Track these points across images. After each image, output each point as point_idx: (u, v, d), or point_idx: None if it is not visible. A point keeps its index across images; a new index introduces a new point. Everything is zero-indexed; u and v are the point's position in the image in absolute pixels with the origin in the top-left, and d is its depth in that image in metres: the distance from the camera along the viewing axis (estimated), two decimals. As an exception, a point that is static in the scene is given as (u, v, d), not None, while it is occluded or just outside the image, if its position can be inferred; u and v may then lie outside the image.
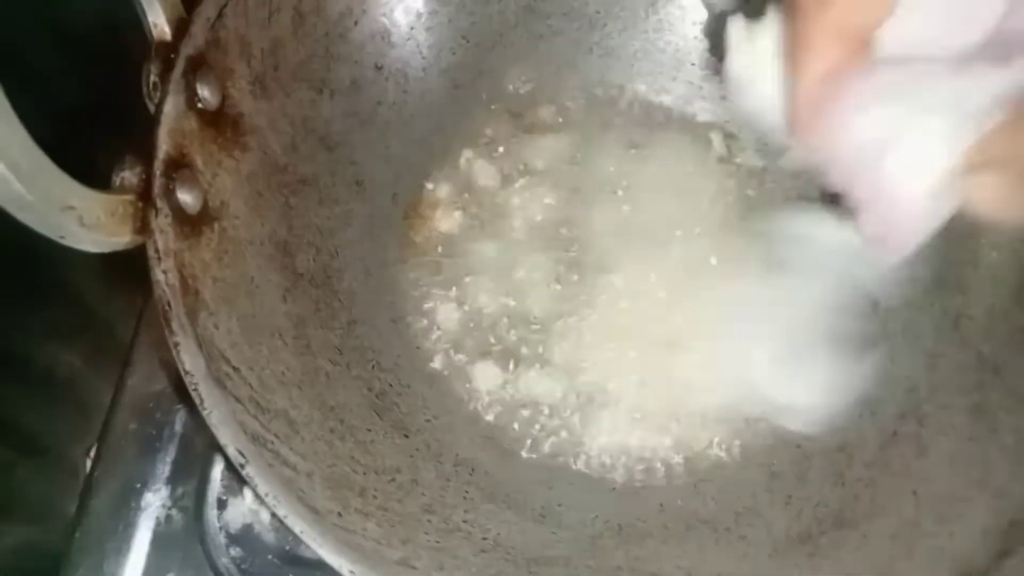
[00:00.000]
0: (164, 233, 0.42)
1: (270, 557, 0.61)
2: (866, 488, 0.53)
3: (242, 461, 0.38)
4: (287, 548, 0.61)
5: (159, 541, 0.62)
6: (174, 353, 0.39)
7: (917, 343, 0.58)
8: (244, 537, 0.61)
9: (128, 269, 0.45)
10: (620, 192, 0.66)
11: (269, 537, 0.61)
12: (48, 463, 0.71)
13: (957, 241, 0.58)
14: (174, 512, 0.63)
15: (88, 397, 0.73)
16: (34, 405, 0.70)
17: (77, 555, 0.61)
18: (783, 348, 0.60)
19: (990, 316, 0.54)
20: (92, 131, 0.56)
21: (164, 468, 0.64)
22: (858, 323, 0.62)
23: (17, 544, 0.66)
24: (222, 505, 0.62)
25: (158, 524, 0.62)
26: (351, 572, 0.37)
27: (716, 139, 0.69)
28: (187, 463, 0.64)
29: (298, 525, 0.37)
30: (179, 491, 0.63)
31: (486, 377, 0.60)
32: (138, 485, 0.63)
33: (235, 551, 0.61)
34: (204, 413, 0.38)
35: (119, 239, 0.41)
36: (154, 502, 0.63)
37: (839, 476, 0.54)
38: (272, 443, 0.41)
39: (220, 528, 0.61)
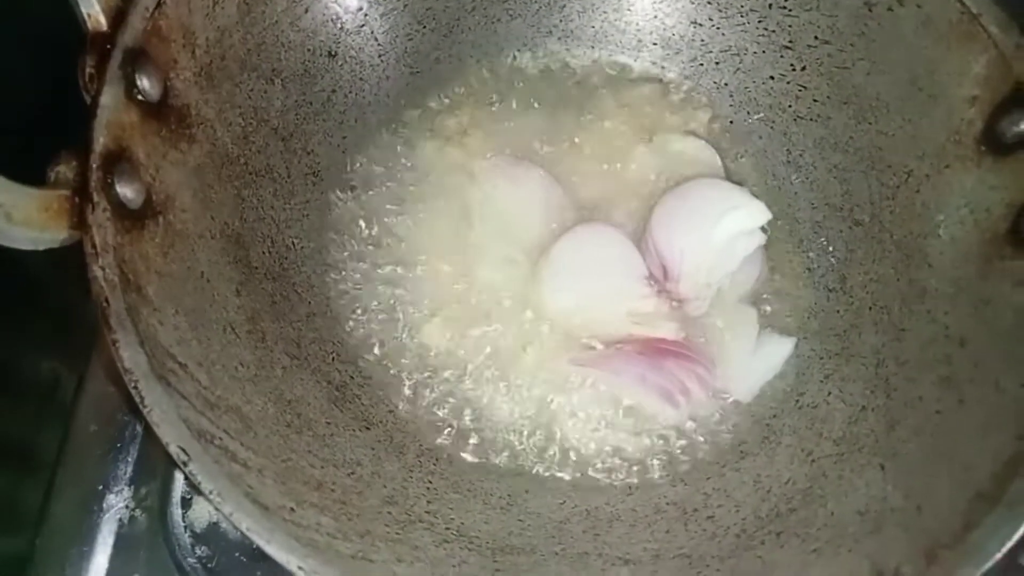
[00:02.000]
0: (102, 228, 0.41)
1: (237, 555, 0.60)
2: (835, 464, 0.52)
3: (184, 459, 0.37)
4: (254, 546, 0.59)
5: (123, 542, 0.61)
6: (113, 351, 0.38)
7: (884, 316, 0.57)
8: (210, 535, 0.60)
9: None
10: (575, 179, 0.65)
11: (236, 534, 0.60)
12: (19, 471, 0.70)
13: (922, 214, 0.57)
14: (137, 512, 0.62)
15: (59, 403, 0.72)
16: (17, 412, 0.68)
17: (40, 560, 0.60)
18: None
19: (956, 288, 0.54)
20: (26, 127, 0.54)
21: (126, 469, 0.63)
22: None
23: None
24: (186, 504, 0.61)
25: (121, 525, 0.61)
26: (299, 568, 0.36)
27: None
28: (150, 463, 0.63)
29: (244, 522, 0.37)
30: (142, 491, 0.62)
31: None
32: (100, 487, 0.62)
33: (201, 550, 0.60)
34: (144, 411, 0.37)
35: (54, 235, 0.40)
36: (117, 503, 0.62)
37: (808, 453, 0.54)
38: (220, 439, 0.40)
39: (185, 527, 0.60)
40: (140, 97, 0.46)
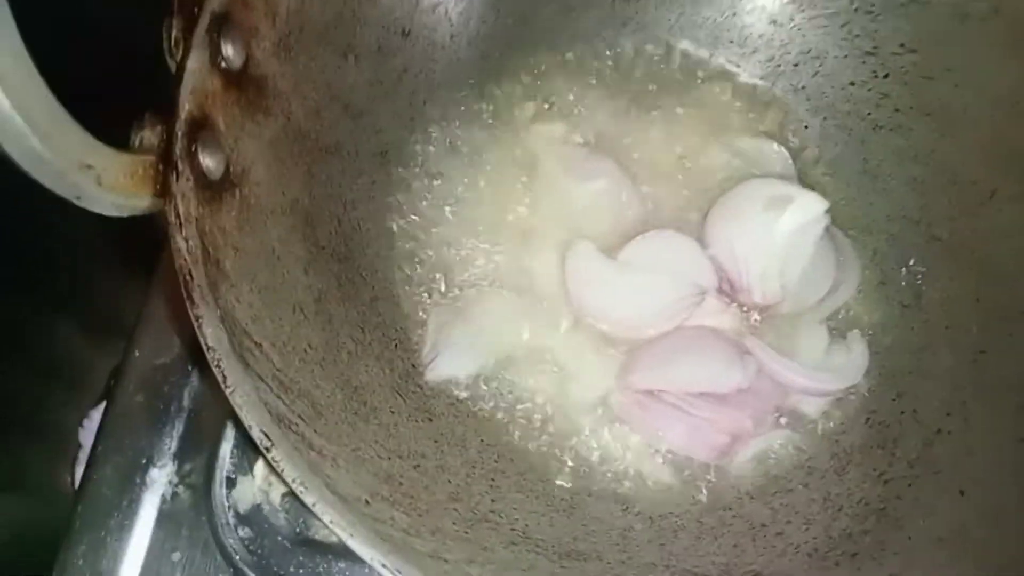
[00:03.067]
0: (186, 197, 0.39)
1: (280, 539, 0.58)
2: (909, 487, 0.51)
3: (268, 444, 0.35)
4: (297, 530, 0.59)
5: (164, 519, 0.59)
6: (196, 327, 0.37)
7: (961, 337, 0.56)
8: (253, 517, 0.59)
9: (135, 242, 0.42)
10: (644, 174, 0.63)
11: (279, 518, 0.59)
12: (44, 436, 0.69)
13: (1006, 233, 0.55)
14: (180, 489, 0.60)
15: (99, 375, 0.71)
16: (43, 385, 0.68)
17: (79, 530, 0.59)
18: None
19: (1041, 312, 0.52)
20: (112, 88, 0.53)
21: (171, 443, 0.61)
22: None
23: (22, 525, 0.63)
24: (231, 484, 0.60)
25: (164, 501, 0.60)
26: (383, 565, 0.34)
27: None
28: (195, 439, 0.61)
29: (328, 514, 0.35)
30: (186, 467, 0.61)
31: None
32: (143, 460, 0.61)
33: (244, 531, 0.58)
34: (227, 392, 0.36)
35: (138, 202, 0.38)
36: (160, 478, 0.60)
37: (880, 474, 0.52)
38: (296, 425, 0.39)
39: (228, 507, 0.59)
40: (224, 65, 0.44)
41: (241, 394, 0.36)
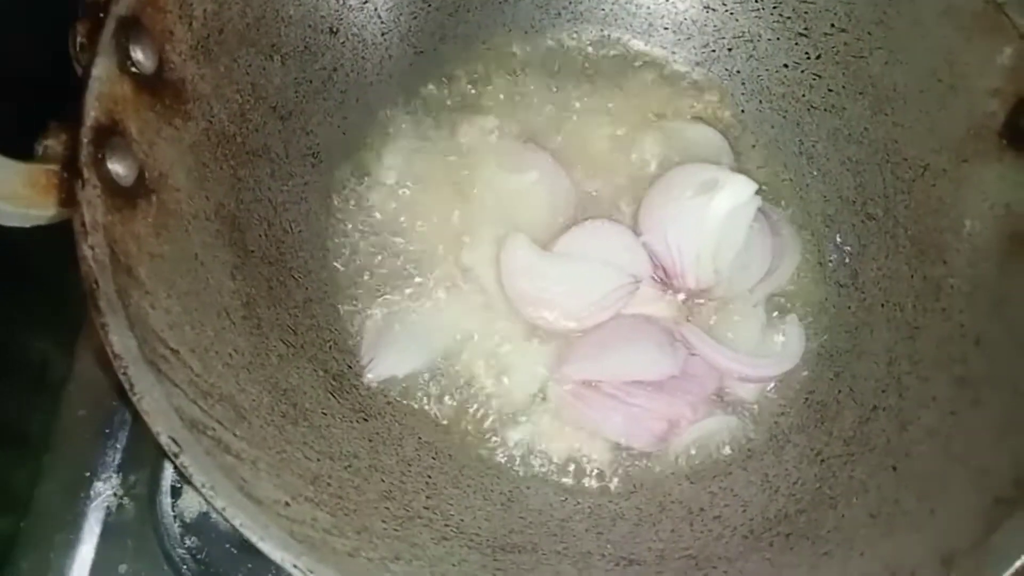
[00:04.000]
0: (92, 205, 0.39)
1: (227, 546, 0.58)
2: (845, 465, 0.51)
3: (176, 449, 0.35)
4: (244, 537, 0.58)
5: (110, 531, 0.59)
6: (102, 335, 0.36)
7: (897, 313, 0.56)
8: (200, 526, 0.58)
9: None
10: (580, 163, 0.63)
11: (226, 526, 0.58)
12: (4, 456, 0.68)
13: (938, 209, 0.56)
14: (126, 501, 0.60)
15: (47, 387, 0.70)
16: (5, 393, 0.66)
17: (24, 546, 0.58)
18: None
19: (973, 286, 0.52)
20: (12, 97, 0.52)
21: (115, 456, 0.61)
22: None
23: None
24: (176, 493, 0.59)
25: (109, 514, 0.59)
26: (294, 567, 0.34)
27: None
28: (139, 450, 0.61)
29: (238, 517, 0.35)
30: (131, 479, 0.60)
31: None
32: (87, 474, 0.60)
33: (191, 540, 0.58)
34: (134, 399, 0.35)
35: (42, 212, 0.38)
36: (104, 491, 0.60)
37: (817, 453, 0.53)
38: (213, 429, 0.39)
39: (175, 517, 0.59)
40: (134, 69, 0.44)
41: (148, 400, 0.36)
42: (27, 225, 0.37)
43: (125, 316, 0.38)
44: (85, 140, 0.40)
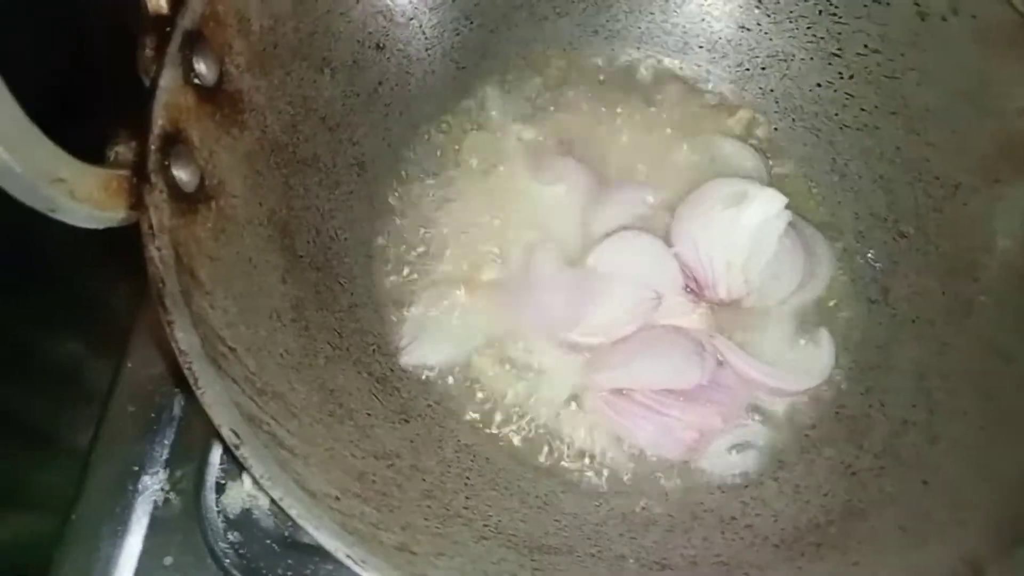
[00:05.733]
0: (159, 209, 0.41)
1: (269, 542, 0.60)
2: (875, 478, 0.52)
3: (237, 442, 0.37)
4: (286, 534, 0.60)
5: (156, 524, 0.61)
6: (168, 332, 0.38)
7: (927, 330, 0.57)
8: (243, 522, 0.60)
9: (129, 253, 0.43)
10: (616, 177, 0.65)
11: (268, 522, 0.60)
12: (52, 452, 0.71)
13: (970, 227, 0.56)
14: (172, 495, 0.62)
15: (91, 384, 0.72)
16: (37, 394, 0.69)
17: (72, 538, 0.60)
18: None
19: (1004, 303, 0.53)
20: (85, 105, 0.55)
21: (162, 451, 0.63)
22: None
23: (17, 532, 0.65)
24: (220, 489, 0.61)
25: (156, 507, 0.61)
26: (347, 556, 0.36)
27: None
28: (186, 446, 0.63)
29: (294, 508, 0.37)
30: (177, 474, 0.62)
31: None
32: (136, 468, 0.62)
33: (233, 535, 0.60)
34: (198, 393, 0.37)
35: (113, 214, 0.40)
36: (152, 485, 0.62)
37: (848, 466, 0.53)
38: (268, 424, 0.40)
39: (218, 512, 0.60)
40: (196, 81, 0.46)
41: (211, 395, 0.38)
42: (99, 227, 0.39)
43: (189, 314, 0.40)
44: (153, 147, 0.42)
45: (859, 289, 0.62)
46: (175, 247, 0.42)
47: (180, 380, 0.40)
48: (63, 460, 0.68)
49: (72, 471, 0.64)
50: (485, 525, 0.48)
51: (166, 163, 0.43)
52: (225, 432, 0.37)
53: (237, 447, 0.37)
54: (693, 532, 0.52)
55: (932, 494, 0.49)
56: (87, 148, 0.40)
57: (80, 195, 0.37)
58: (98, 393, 0.68)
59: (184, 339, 0.38)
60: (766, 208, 0.58)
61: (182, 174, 0.44)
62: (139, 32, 0.46)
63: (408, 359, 0.58)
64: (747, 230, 0.58)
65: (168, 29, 0.46)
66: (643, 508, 0.54)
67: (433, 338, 0.58)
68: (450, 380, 0.58)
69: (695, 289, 0.60)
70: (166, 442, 0.63)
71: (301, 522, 0.36)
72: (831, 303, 0.62)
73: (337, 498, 0.40)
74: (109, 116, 0.44)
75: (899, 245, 0.61)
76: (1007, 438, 0.48)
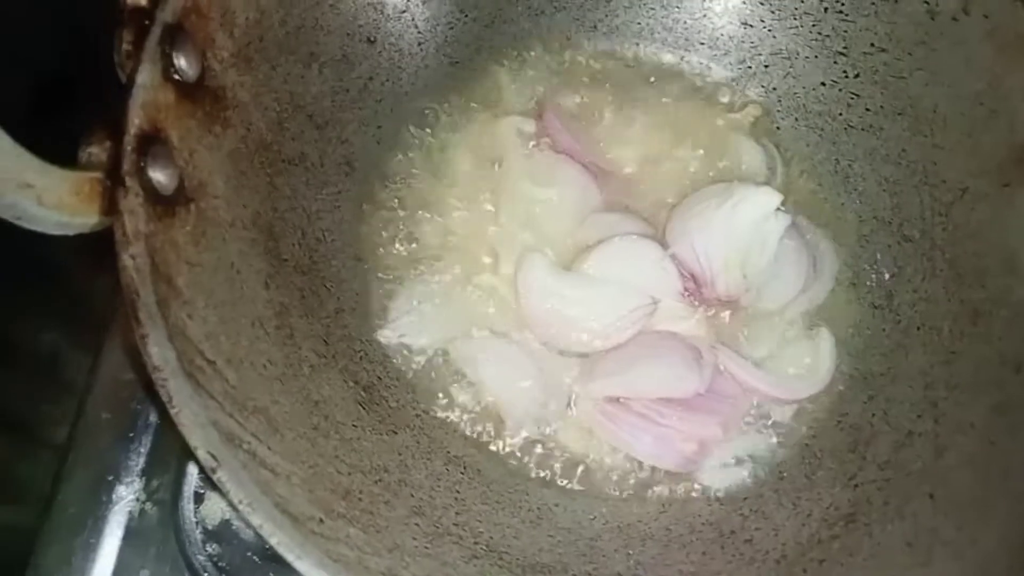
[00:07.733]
0: (134, 214, 0.39)
1: (249, 554, 0.58)
2: (879, 490, 0.50)
3: (214, 464, 0.35)
4: (267, 546, 0.57)
5: (132, 536, 0.59)
6: (141, 347, 0.36)
7: (933, 337, 0.55)
8: (222, 533, 0.58)
9: (109, 246, 0.41)
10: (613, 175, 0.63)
11: (248, 534, 0.58)
12: (31, 443, 0.68)
13: (977, 232, 0.55)
14: (148, 506, 0.60)
15: (69, 377, 0.70)
16: (17, 384, 0.67)
17: (45, 549, 0.58)
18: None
19: (1012, 311, 0.52)
20: (58, 104, 0.52)
21: (138, 460, 0.61)
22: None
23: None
24: (199, 499, 0.59)
25: (131, 518, 0.59)
26: (332, 586, 0.34)
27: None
28: (163, 455, 0.61)
29: (275, 535, 0.35)
30: (154, 484, 0.60)
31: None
32: (110, 477, 0.60)
33: (212, 547, 0.58)
34: (172, 412, 0.35)
35: (84, 220, 0.38)
36: (127, 495, 0.60)
37: (851, 478, 0.52)
38: (249, 443, 0.38)
39: (197, 523, 0.58)
40: (177, 77, 0.44)
41: (187, 414, 0.36)
42: (70, 233, 0.37)
43: (165, 327, 0.38)
44: (128, 148, 0.40)
45: (863, 294, 0.61)
46: (151, 254, 0.39)
47: (154, 396, 0.38)
48: (42, 453, 0.66)
49: (44, 475, 0.62)
50: (476, 543, 0.46)
51: (142, 164, 0.40)
52: (201, 455, 0.35)
53: (214, 471, 0.35)
54: (691, 547, 0.50)
55: (939, 509, 0.47)
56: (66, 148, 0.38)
57: (48, 201, 0.35)
58: (75, 387, 0.66)
59: (158, 354, 0.36)
60: (761, 205, 0.57)
61: (160, 176, 0.41)
62: (116, 26, 0.44)
63: (388, 334, 0.56)
64: (744, 226, 0.57)
65: (147, 23, 0.43)
66: (639, 521, 0.52)
67: (420, 320, 0.57)
68: (439, 388, 0.56)
69: (693, 288, 0.58)
70: (142, 450, 0.61)
71: (282, 551, 0.34)
72: (833, 308, 0.60)
73: (321, 520, 0.38)
74: (88, 114, 0.42)
75: (904, 249, 0.59)
76: (1018, 452, 0.47)
